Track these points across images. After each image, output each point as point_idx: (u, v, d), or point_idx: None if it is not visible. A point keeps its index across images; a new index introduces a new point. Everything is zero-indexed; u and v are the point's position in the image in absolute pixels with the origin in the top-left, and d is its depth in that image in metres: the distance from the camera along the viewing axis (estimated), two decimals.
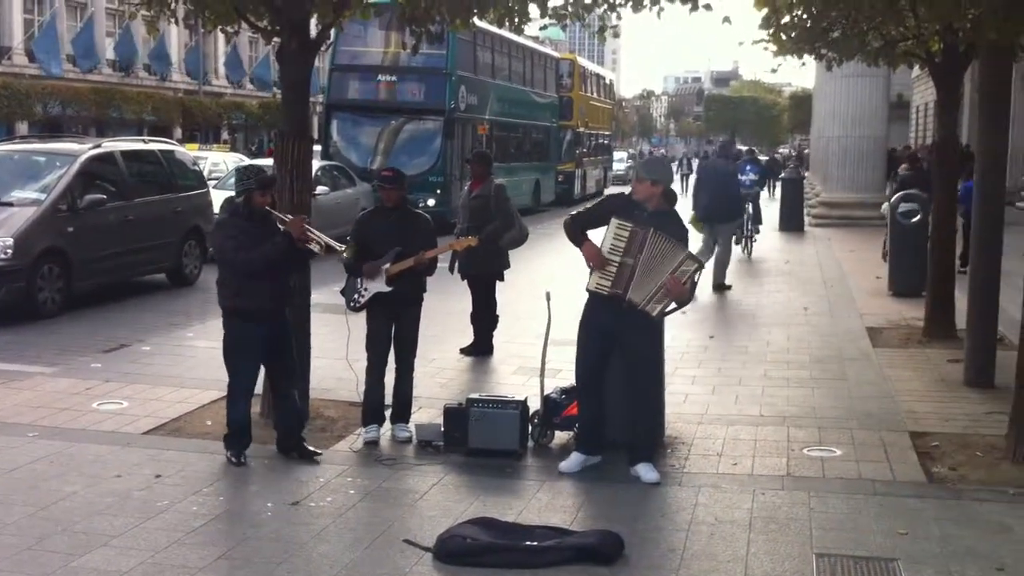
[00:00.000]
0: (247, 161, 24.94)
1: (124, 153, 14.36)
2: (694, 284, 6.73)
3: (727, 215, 15.73)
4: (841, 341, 11.42)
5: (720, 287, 15.25)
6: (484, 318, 10.57)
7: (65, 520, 5.84)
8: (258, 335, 6.96)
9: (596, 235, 6.86)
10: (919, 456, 7.22)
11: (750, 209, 20.73)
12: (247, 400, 7.10)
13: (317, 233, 7.01)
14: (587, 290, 6.81)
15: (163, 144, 16.40)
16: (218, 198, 18.35)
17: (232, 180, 20.45)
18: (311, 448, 7.14)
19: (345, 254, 7.22)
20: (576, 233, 6.89)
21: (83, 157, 13.35)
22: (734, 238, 17.97)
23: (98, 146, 14.11)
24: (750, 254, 19.96)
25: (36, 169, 13.37)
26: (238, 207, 6.98)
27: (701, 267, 6.79)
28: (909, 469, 6.96)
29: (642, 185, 6.79)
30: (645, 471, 6.74)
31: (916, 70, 31.35)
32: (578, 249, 6.84)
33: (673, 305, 6.70)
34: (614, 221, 6.70)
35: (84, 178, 13.19)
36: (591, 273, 6.77)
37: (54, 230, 12.47)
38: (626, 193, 7.09)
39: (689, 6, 8.63)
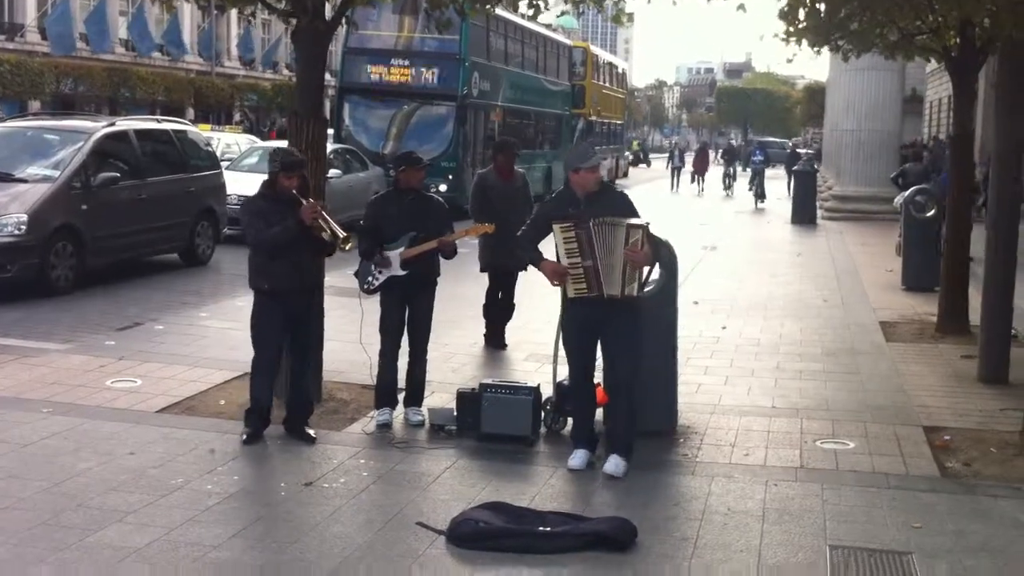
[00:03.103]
0: (259, 142, 24.99)
1: (138, 132, 14.31)
2: (652, 242, 6.61)
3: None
4: (854, 335, 11.40)
5: None
6: (501, 310, 10.37)
7: (80, 496, 5.85)
8: (278, 312, 7.02)
9: (548, 244, 6.73)
10: (932, 450, 7.21)
11: (757, 180, 31.96)
12: (268, 376, 7.12)
13: (331, 221, 7.02)
14: (570, 298, 6.72)
15: (176, 124, 16.30)
16: (231, 179, 18.37)
17: (245, 161, 20.50)
18: (309, 431, 7.14)
19: (347, 247, 7.14)
20: (529, 252, 6.84)
21: (97, 135, 13.32)
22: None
23: (112, 124, 14.11)
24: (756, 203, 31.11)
25: (50, 146, 13.30)
26: (265, 187, 7.08)
27: (647, 226, 6.59)
28: (923, 463, 6.95)
29: (595, 173, 6.70)
30: (611, 463, 6.62)
31: (931, 65, 31.17)
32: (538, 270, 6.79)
33: (646, 271, 6.66)
34: (555, 226, 6.63)
35: (98, 156, 13.14)
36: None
37: (68, 207, 12.45)
38: (553, 194, 7.01)
39: None
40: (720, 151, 46.75)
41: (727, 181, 38.29)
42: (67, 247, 12.36)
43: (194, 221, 14.92)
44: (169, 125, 15.71)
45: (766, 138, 71.48)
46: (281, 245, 6.88)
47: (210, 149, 16.48)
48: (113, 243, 13.19)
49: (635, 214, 6.71)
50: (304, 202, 6.94)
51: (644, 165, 65.59)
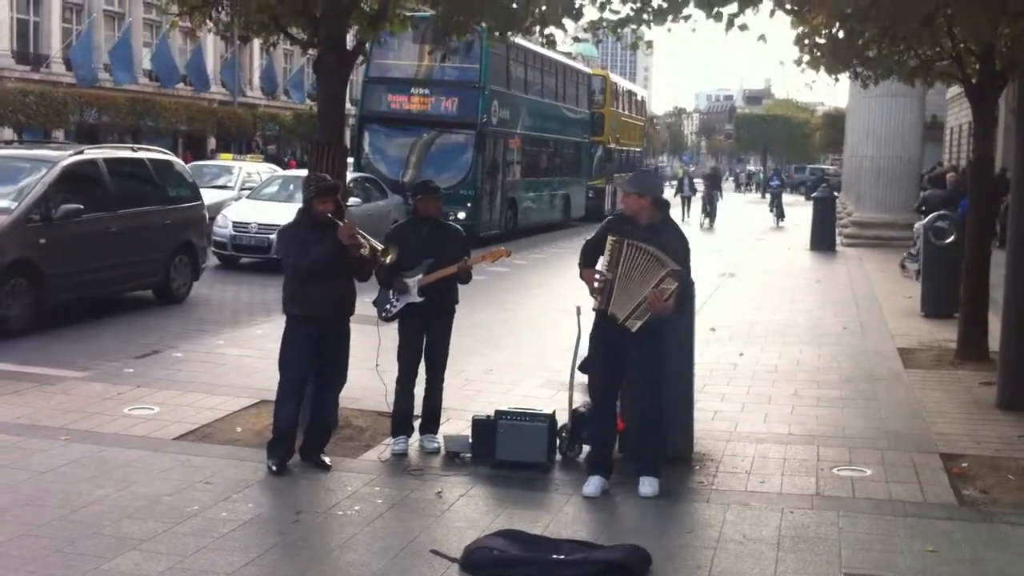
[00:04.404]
0: (280, 171, 25.14)
1: (108, 161, 13.29)
2: (678, 299, 6.63)
3: None
4: (872, 361, 11.34)
5: None
6: None
7: (95, 523, 5.88)
8: (310, 339, 7.04)
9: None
10: (950, 478, 7.16)
11: (776, 202, 36.14)
12: (294, 404, 7.11)
13: (368, 238, 7.12)
14: (592, 309, 6.86)
15: (155, 153, 15.03)
16: (252, 208, 18.37)
17: (265, 190, 20.64)
18: (325, 459, 7.16)
19: (387, 259, 7.23)
20: (582, 259, 6.96)
21: (61, 164, 12.37)
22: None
23: (79, 152, 13.11)
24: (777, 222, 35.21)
25: (11, 175, 12.28)
26: (300, 214, 7.15)
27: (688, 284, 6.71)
28: (940, 491, 6.91)
29: (629, 199, 6.77)
30: (642, 484, 6.71)
31: (952, 91, 31.15)
32: None
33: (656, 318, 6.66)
34: (609, 238, 6.74)
35: (62, 186, 12.16)
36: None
37: (24, 241, 11.54)
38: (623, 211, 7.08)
39: (724, 24, 8.61)
40: (702, 176, 42.50)
41: (707, 210, 35.72)
42: (22, 284, 11.48)
43: (170, 256, 13.97)
44: (145, 154, 14.56)
45: (818, 165, 78.44)
46: (322, 267, 6.93)
47: (191, 180, 15.37)
48: (76, 279, 12.23)
49: (681, 258, 6.66)
50: (340, 223, 7.01)
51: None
